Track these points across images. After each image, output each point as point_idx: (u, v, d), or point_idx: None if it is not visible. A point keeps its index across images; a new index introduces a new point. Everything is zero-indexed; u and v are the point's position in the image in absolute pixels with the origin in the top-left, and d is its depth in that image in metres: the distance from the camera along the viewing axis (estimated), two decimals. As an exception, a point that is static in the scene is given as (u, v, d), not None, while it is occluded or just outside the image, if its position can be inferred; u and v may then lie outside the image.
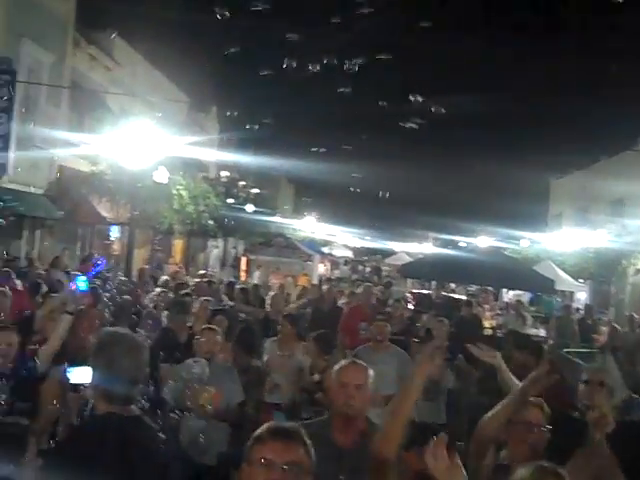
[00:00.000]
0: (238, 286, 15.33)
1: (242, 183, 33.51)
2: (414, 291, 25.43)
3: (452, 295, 22.87)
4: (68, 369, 4.12)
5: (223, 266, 33.63)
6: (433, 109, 16.60)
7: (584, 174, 33.91)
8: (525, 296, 23.69)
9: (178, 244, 30.80)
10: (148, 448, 3.10)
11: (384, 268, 41.99)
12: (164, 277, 16.19)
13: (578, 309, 21.07)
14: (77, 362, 4.44)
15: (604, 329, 15.62)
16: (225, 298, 13.40)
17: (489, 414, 3.79)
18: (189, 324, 8.25)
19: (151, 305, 11.03)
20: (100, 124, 18.45)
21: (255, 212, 29.87)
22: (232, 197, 29.35)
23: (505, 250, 28.33)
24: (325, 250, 41.61)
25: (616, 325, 15.24)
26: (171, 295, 11.28)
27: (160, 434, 3.42)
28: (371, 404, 4.03)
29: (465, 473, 2.77)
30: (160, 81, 27.98)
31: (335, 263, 43.77)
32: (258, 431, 2.63)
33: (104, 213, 20.39)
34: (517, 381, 4.39)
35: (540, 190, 40.72)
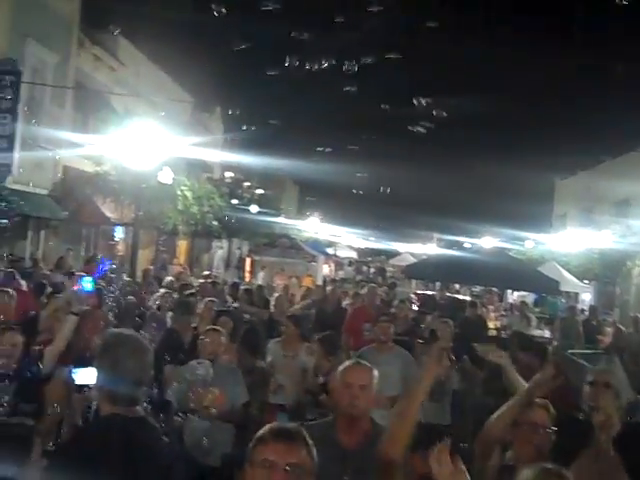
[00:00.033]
0: (242, 287, 15.32)
1: (246, 184, 33.56)
2: (418, 292, 25.39)
3: (456, 296, 22.84)
4: (73, 370, 4.12)
5: (227, 267, 33.64)
6: (438, 110, 16.62)
7: (589, 175, 33.85)
8: (529, 297, 23.64)
9: (182, 245, 30.82)
10: (152, 449, 3.10)
11: (388, 269, 42.00)
12: (168, 278, 16.19)
13: (583, 310, 21.04)
14: (81, 363, 4.44)
15: (609, 330, 15.58)
16: (229, 299, 13.40)
17: (495, 415, 3.79)
18: (194, 325, 8.25)
19: (155, 306, 11.03)
20: (104, 124, 18.48)
21: (259, 213, 29.87)
22: (236, 198, 29.38)
23: (509, 251, 28.32)
24: (329, 251, 41.62)
25: (621, 326, 15.20)
26: (175, 296, 11.27)
27: (164, 436, 3.42)
28: (375, 405, 4.03)
29: (469, 476, 2.77)
30: (164, 81, 28.01)
31: (339, 264, 43.76)
32: (260, 432, 2.63)
33: (108, 214, 20.41)
34: (523, 381, 4.39)
35: (545, 191, 40.67)
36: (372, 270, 44.82)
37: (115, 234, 24.01)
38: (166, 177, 18.71)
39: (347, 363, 4.11)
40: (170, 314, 9.48)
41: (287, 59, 16.04)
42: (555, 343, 14.73)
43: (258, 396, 6.56)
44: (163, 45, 25.63)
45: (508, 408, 3.76)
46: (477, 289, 25.83)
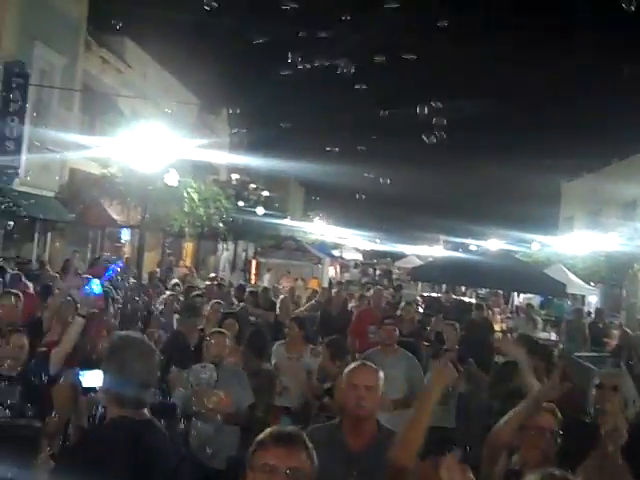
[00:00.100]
0: (248, 289, 15.33)
1: (252, 186, 33.57)
2: (424, 294, 25.39)
3: (462, 298, 22.82)
4: (80, 372, 4.14)
5: (233, 269, 33.66)
6: (446, 112, 16.61)
7: (595, 177, 33.79)
8: (535, 299, 23.60)
9: (188, 247, 30.87)
10: (159, 452, 3.11)
11: (394, 271, 41.95)
12: (174, 280, 16.21)
13: (589, 313, 20.98)
14: (88, 365, 4.46)
15: (615, 333, 15.53)
16: (235, 302, 13.40)
17: (503, 420, 3.79)
18: (200, 327, 8.25)
19: (160, 308, 11.04)
20: (111, 127, 18.54)
21: (265, 215, 29.89)
22: (242, 200, 29.42)
23: (516, 253, 28.32)
24: (335, 253, 41.62)
25: (627, 329, 15.16)
26: (181, 298, 11.29)
27: (170, 439, 3.43)
28: (380, 407, 4.04)
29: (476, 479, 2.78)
30: (171, 83, 28.09)
31: (345, 266, 43.76)
32: (260, 437, 2.64)
33: (115, 216, 20.47)
34: (536, 381, 4.40)
35: (551, 193, 40.62)
36: (378, 272, 44.80)
37: (121, 236, 24.08)
38: (172, 179, 18.76)
39: (353, 364, 4.12)
40: (176, 316, 9.50)
41: (294, 60, 16.02)
42: (561, 346, 14.71)
43: (264, 398, 6.55)
44: (170, 47, 25.75)
45: (516, 413, 3.76)
46: (483, 291, 25.82)
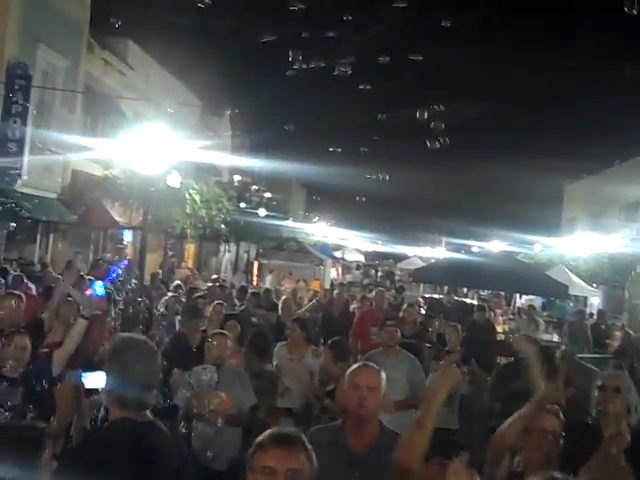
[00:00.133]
0: (250, 290, 15.33)
1: (254, 187, 33.60)
2: (426, 296, 25.37)
3: (464, 300, 22.81)
4: (82, 374, 4.14)
5: (235, 270, 33.67)
6: (449, 114, 16.62)
7: (597, 179, 33.79)
8: (538, 301, 23.59)
9: (190, 248, 30.89)
10: (161, 453, 3.11)
11: (396, 272, 41.93)
12: (176, 282, 16.21)
13: (591, 314, 20.97)
14: (90, 367, 4.46)
15: (618, 334, 15.52)
16: (237, 303, 13.41)
17: (507, 423, 3.78)
18: (202, 328, 8.24)
19: (162, 310, 11.04)
20: (113, 128, 18.58)
21: (267, 216, 29.90)
22: (244, 201, 29.44)
23: (518, 255, 28.29)
24: (337, 254, 41.61)
25: (630, 330, 15.14)
26: (183, 300, 11.29)
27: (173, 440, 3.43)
28: (383, 408, 4.04)
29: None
30: (173, 85, 28.12)
31: (347, 267, 43.73)
32: (259, 438, 2.64)
33: (117, 217, 20.48)
34: (543, 380, 4.39)
35: (553, 195, 40.62)
36: (380, 274, 44.78)
37: (123, 238, 24.09)
38: (174, 181, 18.77)
39: (355, 365, 4.12)
40: (178, 318, 9.50)
41: (296, 62, 16.05)
42: (563, 347, 14.68)
43: (266, 400, 6.55)
44: (172, 49, 25.78)
45: (520, 416, 3.75)
46: (485, 293, 25.80)
